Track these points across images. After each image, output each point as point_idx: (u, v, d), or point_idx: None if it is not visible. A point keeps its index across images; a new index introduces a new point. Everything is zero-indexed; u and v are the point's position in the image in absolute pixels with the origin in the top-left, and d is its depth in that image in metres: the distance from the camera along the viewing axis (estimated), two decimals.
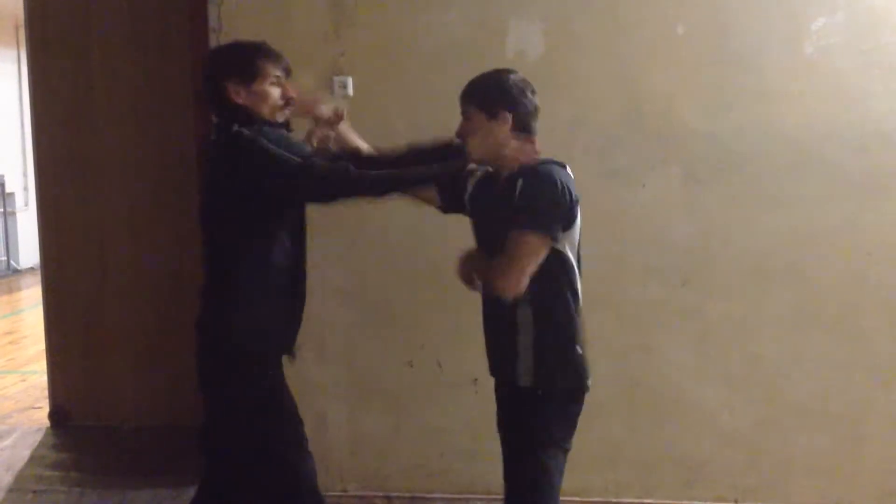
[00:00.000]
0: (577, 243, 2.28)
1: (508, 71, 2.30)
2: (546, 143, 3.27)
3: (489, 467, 3.36)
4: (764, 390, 3.30)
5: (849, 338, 3.25)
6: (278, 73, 2.33)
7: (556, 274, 2.22)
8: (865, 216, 3.21)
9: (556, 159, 2.30)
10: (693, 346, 3.30)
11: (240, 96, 2.29)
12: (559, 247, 2.20)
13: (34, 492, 3.65)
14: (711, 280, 3.28)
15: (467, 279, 2.30)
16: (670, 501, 3.36)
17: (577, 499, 3.35)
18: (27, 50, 4.59)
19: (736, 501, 3.34)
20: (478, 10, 3.28)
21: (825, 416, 3.28)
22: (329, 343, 3.43)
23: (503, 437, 2.36)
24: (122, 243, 4.36)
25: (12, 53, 10.09)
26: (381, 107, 3.31)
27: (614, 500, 3.39)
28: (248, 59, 2.31)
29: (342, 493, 3.48)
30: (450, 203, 2.47)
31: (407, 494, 3.43)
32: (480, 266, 2.25)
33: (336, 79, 3.33)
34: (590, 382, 2.29)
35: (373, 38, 3.33)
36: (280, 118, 2.34)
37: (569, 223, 2.21)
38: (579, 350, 2.27)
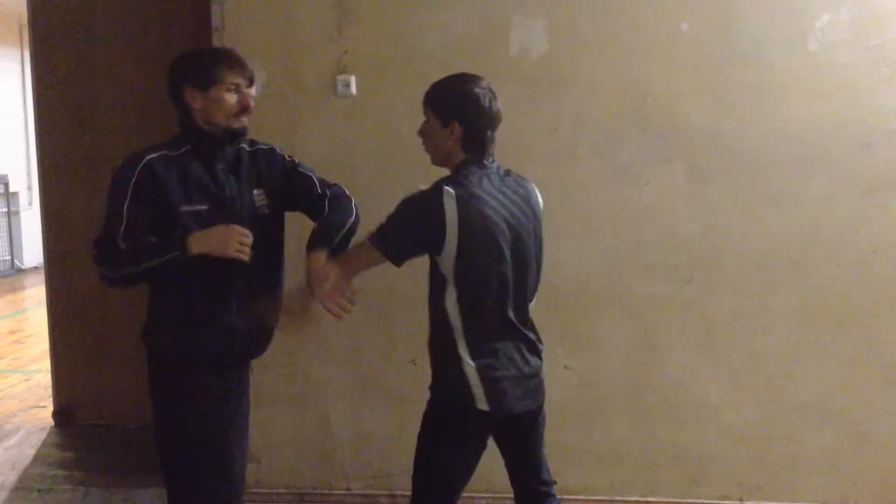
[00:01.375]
0: (478, 266, 2.22)
1: (472, 79, 2.29)
2: (550, 141, 3.29)
3: (493, 466, 3.35)
4: (769, 388, 3.29)
5: (854, 335, 3.25)
6: (238, 80, 2.35)
7: (436, 285, 2.26)
8: (871, 213, 3.20)
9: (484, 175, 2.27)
10: (698, 344, 3.30)
11: (196, 101, 2.34)
12: (441, 269, 2.22)
13: (39, 490, 3.65)
14: (716, 278, 3.27)
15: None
16: (675, 500, 3.35)
17: (581, 497, 3.36)
18: (31, 49, 4.60)
19: (741, 500, 3.34)
20: (481, 8, 3.28)
21: (830, 414, 3.28)
22: (332, 341, 3.43)
23: None
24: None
25: (16, 53, 10.12)
26: (384, 105, 3.31)
27: (619, 498, 3.38)
28: (207, 65, 2.35)
29: (346, 492, 3.48)
30: None
31: (411, 493, 3.42)
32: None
33: (339, 78, 3.33)
34: (482, 406, 2.25)
35: (376, 36, 3.32)
36: (235, 125, 2.37)
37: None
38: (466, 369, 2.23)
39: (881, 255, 3.21)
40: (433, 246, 2.18)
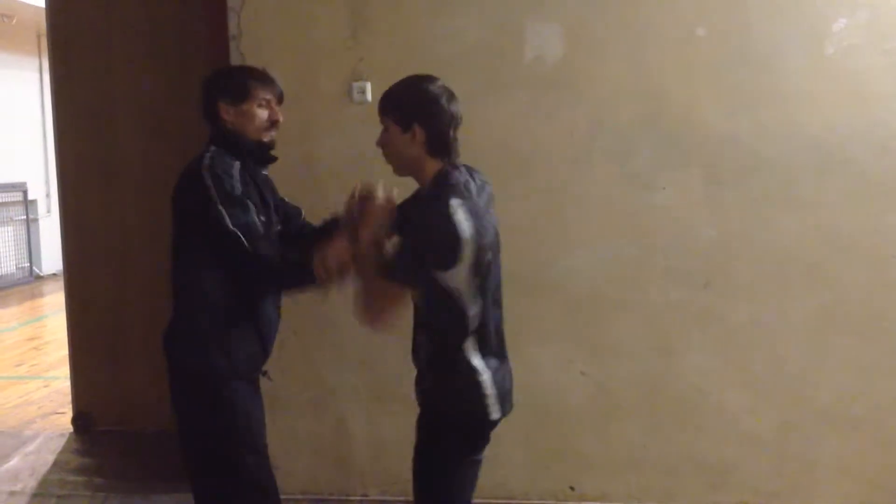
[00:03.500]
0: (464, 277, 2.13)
1: (425, 78, 2.21)
2: (566, 147, 3.29)
3: (509, 472, 3.36)
4: (787, 393, 3.27)
5: (872, 340, 3.22)
6: (268, 96, 2.46)
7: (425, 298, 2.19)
8: (888, 218, 3.18)
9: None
10: (715, 350, 3.29)
11: (229, 115, 2.42)
12: (449, 282, 2.11)
13: (58, 497, 3.68)
14: (733, 283, 3.26)
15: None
16: None
17: (598, 503, 3.34)
18: (49, 59, 4.64)
19: None
20: (496, 14, 3.28)
21: (849, 420, 3.25)
22: (348, 347, 3.44)
23: None
24: (144, 249, 4.38)
25: (34, 62, 10.21)
26: None
27: None
28: (241, 81, 2.47)
29: (363, 498, 3.49)
30: None
31: None
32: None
33: (355, 84, 3.35)
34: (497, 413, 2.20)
35: (391, 43, 3.34)
36: (266, 138, 2.47)
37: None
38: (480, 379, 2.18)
39: None
40: (449, 263, 2.07)
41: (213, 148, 2.40)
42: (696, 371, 3.30)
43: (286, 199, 2.68)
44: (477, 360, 2.16)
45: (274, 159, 2.55)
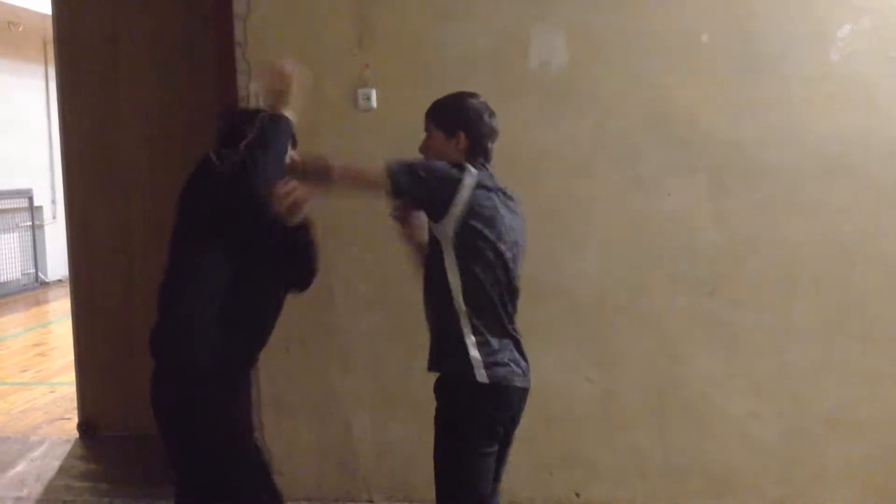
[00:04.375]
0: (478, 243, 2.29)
1: (471, 94, 2.44)
2: (571, 153, 3.29)
3: (515, 478, 3.35)
4: (793, 399, 3.27)
5: (879, 345, 3.22)
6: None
7: (437, 262, 2.32)
8: (894, 223, 3.18)
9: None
10: (721, 355, 3.28)
11: None
12: (437, 235, 2.29)
13: (64, 502, 3.68)
14: (739, 288, 3.26)
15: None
16: None
17: None
18: (56, 66, 4.66)
19: None
20: (501, 21, 3.29)
21: (856, 425, 3.24)
22: (354, 351, 3.44)
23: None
24: (150, 255, 4.36)
25: (40, 69, 10.25)
26: (404, 118, 3.30)
27: None
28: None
29: (368, 502, 3.49)
30: None
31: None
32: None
33: (360, 91, 3.36)
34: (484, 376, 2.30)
35: (396, 50, 3.35)
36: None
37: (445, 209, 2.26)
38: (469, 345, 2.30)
39: None
40: (439, 205, 2.25)
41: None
42: (702, 377, 3.30)
43: None
44: (470, 336, 2.29)
45: None
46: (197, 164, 2.41)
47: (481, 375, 2.28)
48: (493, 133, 2.41)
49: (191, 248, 2.40)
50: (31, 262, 10.35)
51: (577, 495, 3.40)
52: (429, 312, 2.40)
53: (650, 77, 3.24)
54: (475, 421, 2.31)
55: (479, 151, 2.38)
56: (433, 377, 2.39)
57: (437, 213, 2.27)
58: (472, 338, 2.29)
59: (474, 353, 2.29)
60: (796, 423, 3.27)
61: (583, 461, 3.38)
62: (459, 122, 2.38)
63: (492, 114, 2.42)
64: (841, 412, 3.25)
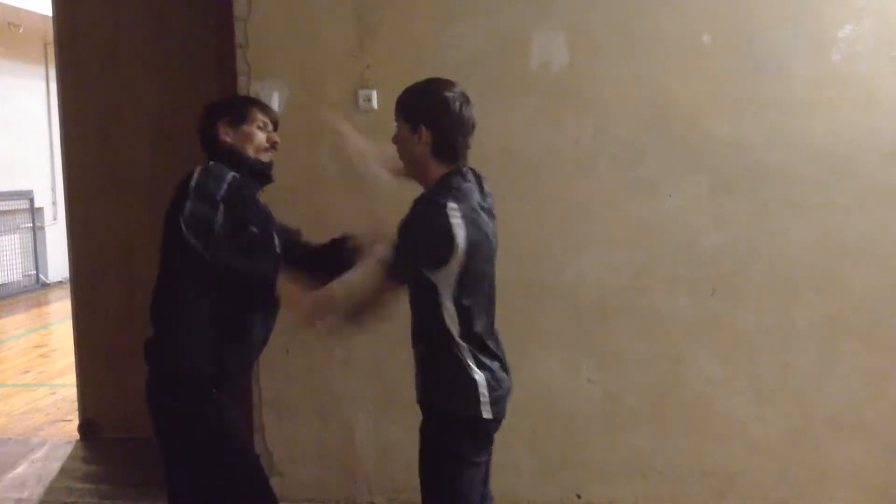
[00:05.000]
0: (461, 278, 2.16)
1: (442, 83, 2.23)
2: (571, 154, 3.29)
3: (516, 479, 3.36)
4: (795, 401, 3.26)
5: (880, 346, 3.21)
6: (266, 120, 2.52)
7: (422, 297, 2.19)
8: None
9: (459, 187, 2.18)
10: (723, 357, 3.28)
11: (228, 135, 2.46)
12: (433, 280, 2.13)
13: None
14: (741, 290, 3.25)
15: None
16: None
17: None
18: (57, 67, 4.66)
19: None
20: (502, 22, 3.29)
21: (858, 426, 3.24)
22: (356, 354, 3.44)
23: None
24: (151, 257, 4.34)
25: (40, 70, 10.25)
26: None
27: None
28: (240, 104, 2.56)
29: None
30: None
31: None
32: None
33: (361, 92, 3.36)
34: (487, 413, 2.20)
35: (397, 51, 3.35)
36: (264, 158, 2.50)
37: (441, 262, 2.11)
38: (474, 377, 2.18)
39: None
40: (438, 264, 2.10)
41: (211, 162, 2.41)
42: (703, 378, 3.29)
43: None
44: (469, 360, 2.18)
45: (271, 180, 2.54)
46: (185, 180, 2.36)
47: (486, 412, 2.18)
48: (464, 126, 2.17)
49: (180, 258, 2.40)
50: (31, 264, 10.35)
51: (579, 496, 3.39)
52: (420, 344, 2.27)
53: (651, 77, 3.24)
54: (472, 448, 2.24)
55: (446, 148, 2.16)
56: None
57: (437, 266, 2.11)
58: (479, 374, 2.17)
59: (483, 391, 2.17)
60: (798, 424, 3.27)
61: (584, 462, 3.38)
62: (422, 115, 2.16)
63: (465, 102, 2.18)
64: (842, 413, 3.24)
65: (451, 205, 2.08)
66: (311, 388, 3.49)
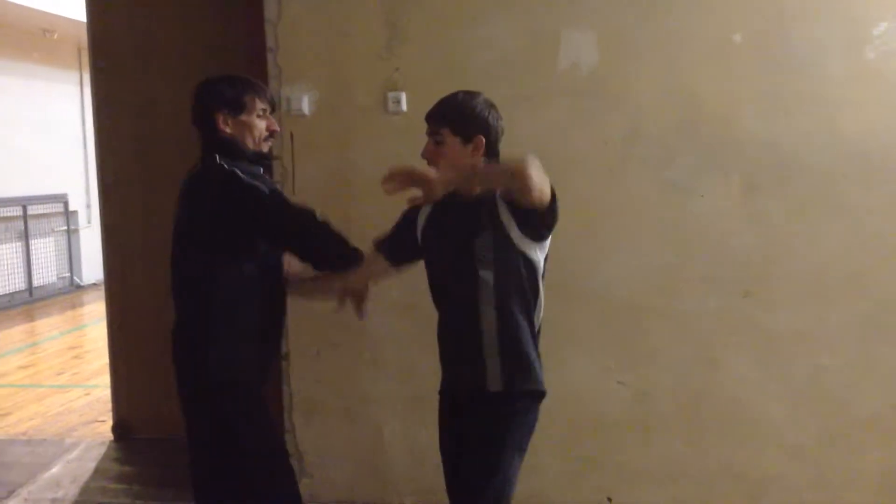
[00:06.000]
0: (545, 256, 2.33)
1: (475, 93, 2.32)
2: (602, 155, 3.27)
3: (546, 481, 3.34)
4: (830, 404, 3.22)
5: None
6: (264, 106, 2.48)
7: (524, 278, 2.26)
8: None
9: None
10: (756, 359, 3.24)
11: (227, 126, 2.44)
12: (531, 253, 2.24)
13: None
14: (774, 291, 3.22)
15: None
16: None
17: None
18: (91, 73, 4.71)
19: None
20: (530, 23, 3.28)
21: (893, 430, 3.19)
22: (385, 357, 3.45)
23: (459, 451, 2.41)
24: None
25: (75, 76, 10.41)
26: None
27: None
28: (239, 93, 2.46)
29: None
30: (399, 257, 2.53)
31: None
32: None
33: (390, 94, 3.36)
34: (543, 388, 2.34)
35: (426, 53, 3.35)
36: (264, 148, 2.50)
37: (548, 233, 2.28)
38: (536, 354, 2.31)
39: None
40: (546, 231, 2.28)
41: (217, 156, 2.41)
42: (735, 381, 3.26)
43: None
44: (533, 350, 2.30)
45: (269, 166, 2.60)
46: (217, 179, 2.38)
47: (542, 384, 2.31)
48: (501, 132, 2.32)
49: (208, 258, 2.42)
50: (66, 266, 10.50)
51: (609, 500, 3.37)
52: (483, 326, 2.28)
53: (682, 78, 3.21)
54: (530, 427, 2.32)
55: (493, 155, 2.27)
56: None
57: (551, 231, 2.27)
58: (535, 350, 2.30)
59: (536, 365, 2.29)
60: (832, 427, 3.22)
61: (614, 465, 3.35)
62: (478, 126, 2.24)
63: (496, 109, 2.31)
64: (877, 416, 3.19)
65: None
66: (340, 390, 3.50)
